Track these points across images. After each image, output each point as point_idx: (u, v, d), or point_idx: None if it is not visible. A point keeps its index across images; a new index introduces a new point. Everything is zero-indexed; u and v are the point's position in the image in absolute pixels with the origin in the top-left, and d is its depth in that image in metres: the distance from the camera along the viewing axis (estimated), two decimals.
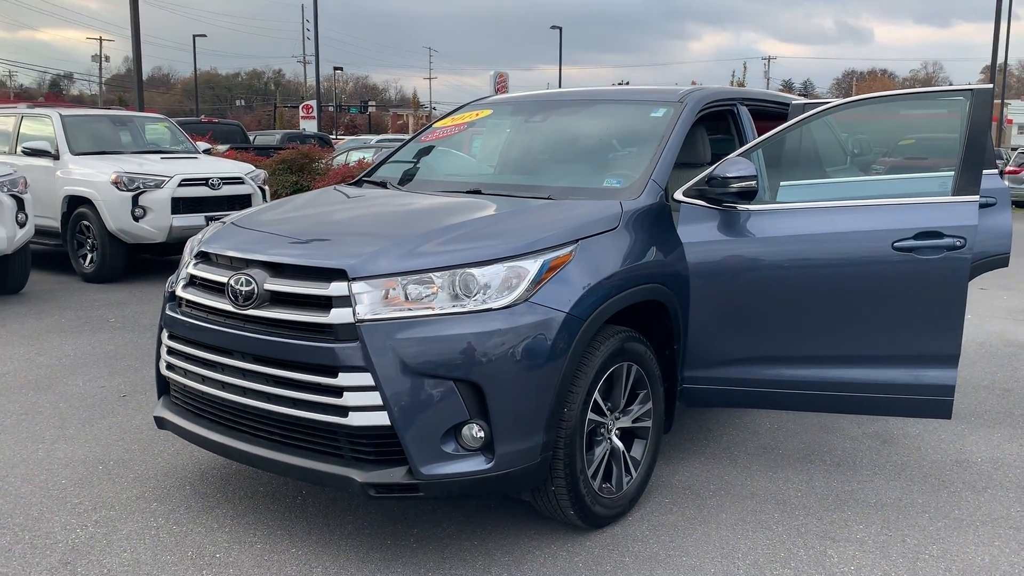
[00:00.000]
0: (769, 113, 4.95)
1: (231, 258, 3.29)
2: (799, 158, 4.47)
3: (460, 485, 2.93)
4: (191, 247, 3.60)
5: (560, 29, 51.04)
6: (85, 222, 9.17)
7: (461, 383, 2.89)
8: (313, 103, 41.06)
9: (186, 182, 9.14)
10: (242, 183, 9.65)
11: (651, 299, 3.51)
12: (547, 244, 3.13)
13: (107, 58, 78.68)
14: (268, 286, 3.07)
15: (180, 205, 9.09)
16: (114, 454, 4.15)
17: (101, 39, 77.16)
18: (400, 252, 3.05)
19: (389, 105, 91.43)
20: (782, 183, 4.27)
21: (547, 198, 3.73)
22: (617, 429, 3.47)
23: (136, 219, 8.89)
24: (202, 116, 26.24)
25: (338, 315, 2.91)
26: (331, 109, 62.89)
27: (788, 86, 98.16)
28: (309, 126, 39.30)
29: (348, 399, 2.89)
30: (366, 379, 2.86)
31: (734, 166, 3.63)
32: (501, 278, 2.99)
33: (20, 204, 8.05)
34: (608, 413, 3.39)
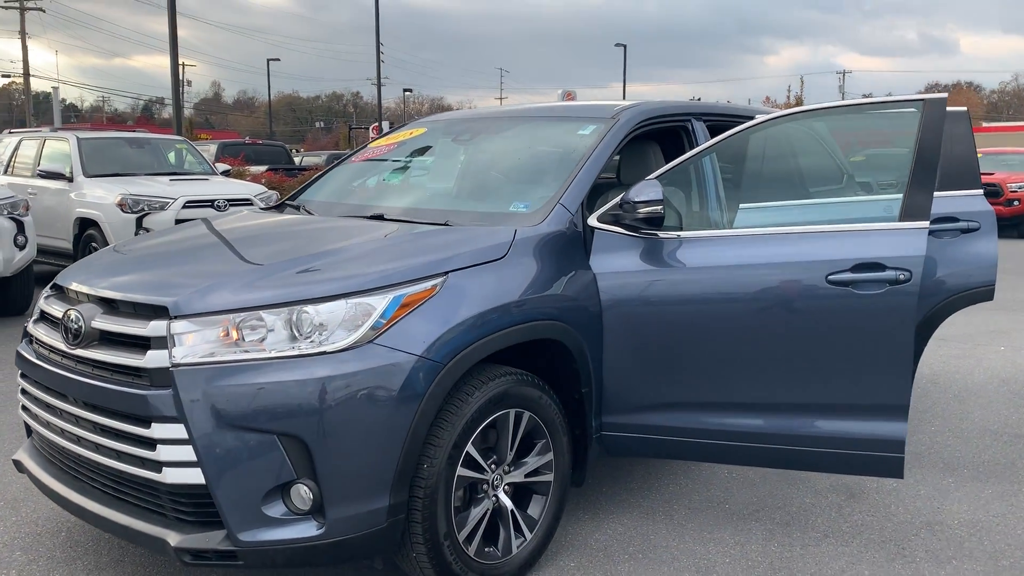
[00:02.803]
0: None
1: (75, 291, 3.03)
2: (766, 178, 4.03)
3: (286, 554, 2.59)
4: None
5: (624, 47, 50.67)
6: (94, 244, 9.17)
7: (285, 437, 2.56)
8: (381, 124, 41.42)
9: (191, 204, 9.06)
10: (251, 204, 9.53)
11: (546, 338, 3.12)
12: (404, 277, 2.77)
13: (189, 83, 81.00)
14: (95, 324, 2.80)
15: None
16: (9, 493, 3.93)
17: (184, 64, 79.51)
18: (237, 286, 2.73)
19: None
20: (741, 206, 3.85)
21: (444, 223, 3.38)
22: (507, 485, 3.09)
23: None
24: (246, 138, 26.64)
25: (154, 358, 2.61)
26: None
27: None
28: None
29: (161, 453, 2.59)
30: (180, 431, 2.55)
31: (645, 189, 3.22)
32: (341, 316, 2.65)
33: (20, 227, 8.05)
34: (491, 467, 3.01)
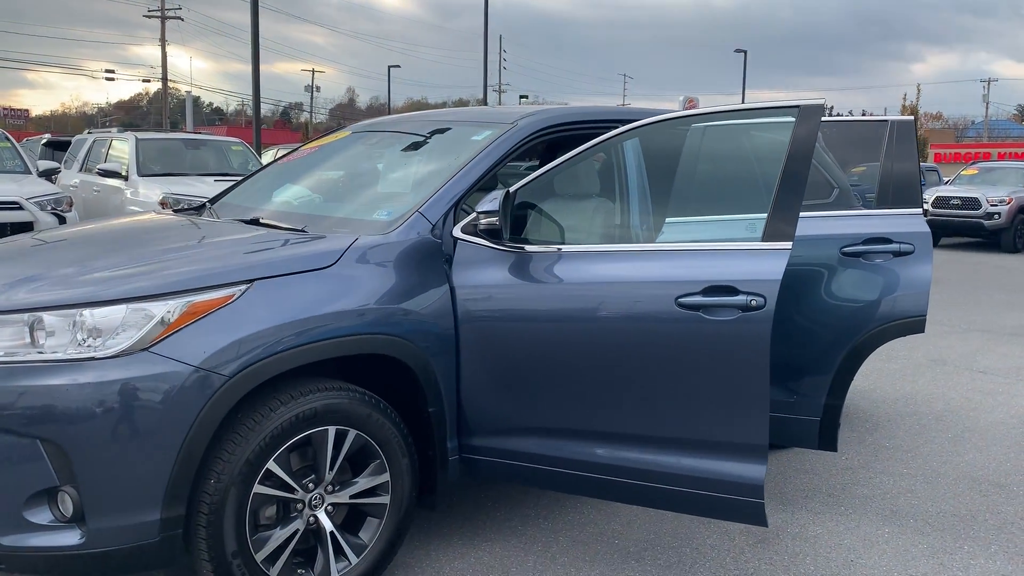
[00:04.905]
0: None
1: None
2: (714, 191, 3.73)
3: (47, 561, 2.54)
4: None
5: (744, 52, 49.30)
6: None
7: (47, 443, 2.50)
8: None
9: None
10: None
11: (376, 353, 2.97)
12: (196, 284, 2.68)
13: (318, 88, 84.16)
14: None
15: None
16: None
17: (313, 71, 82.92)
18: (33, 286, 2.71)
19: None
20: (668, 219, 3.58)
21: (302, 229, 3.28)
22: (330, 505, 2.94)
23: None
24: None
25: None
26: None
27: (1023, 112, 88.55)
28: None
29: None
30: None
31: (487, 200, 3.03)
32: (119, 322, 2.58)
33: (62, 222, 8.45)
34: (308, 486, 2.87)
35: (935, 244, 17.41)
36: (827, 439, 3.72)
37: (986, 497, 4.13)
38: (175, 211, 4.21)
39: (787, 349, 3.72)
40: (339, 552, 2.96)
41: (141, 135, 10.67)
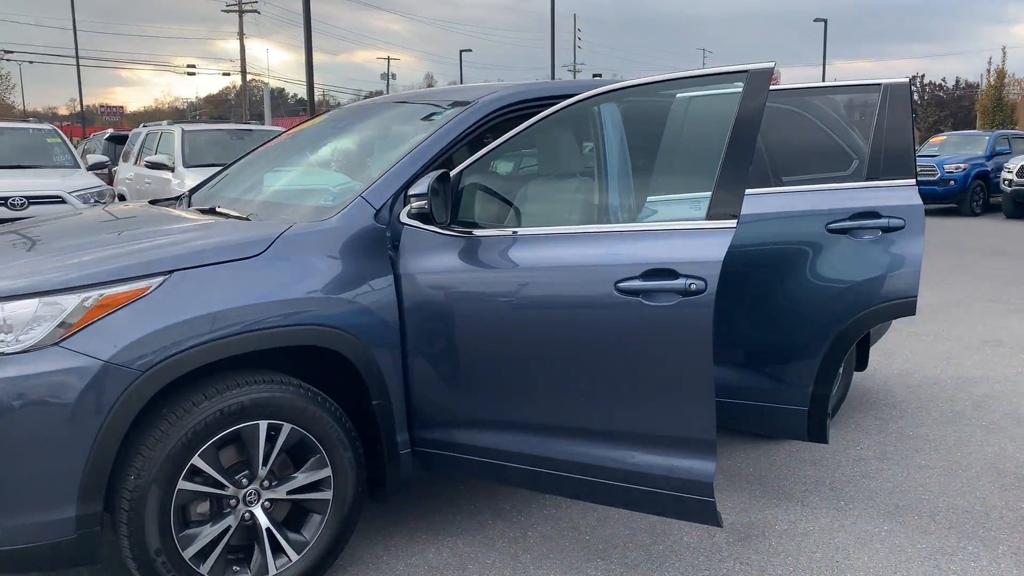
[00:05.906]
0: None
1: None
2: (703, 165, 3.51)
3: None
4: None
5: (824, 22, 47.53)
6: None
7: None
8: None
9: None
10: None
11: (309, 345, 2.86)
12: (110, 276, 2.61)
13: (394, 76, 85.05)
14: None
15: None
16: None
17: (389, 59, 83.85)
18: None
19: None
20: (649, 198, 3.39)
21: (246, 218, 3.20)
22: (267, 501, 2.86)
23: None
24: None
25: None
26: None
27: None
28: None
29: None
30: None
31: (419, 183, 2.88)
32: (31, 316, 2.53)
33: None
34: (237, 483, 2.79)
35: (1022, 216, 16.78)
36: (817, 430, 3.46)
37: (1006, 491, 3.80)
38: (151, 201, 4.19)
39: (770, 334, 3.49)
40: (278, 549, 2.88)
41: (188, 127, 10.84)
